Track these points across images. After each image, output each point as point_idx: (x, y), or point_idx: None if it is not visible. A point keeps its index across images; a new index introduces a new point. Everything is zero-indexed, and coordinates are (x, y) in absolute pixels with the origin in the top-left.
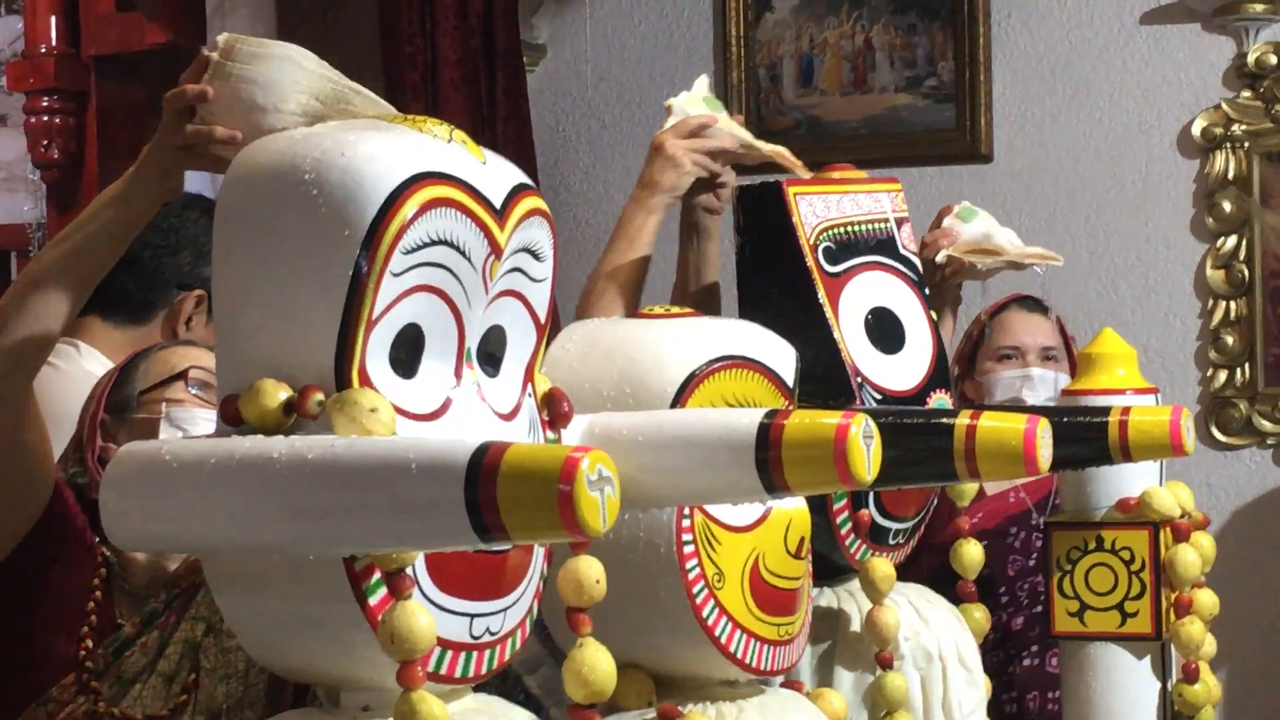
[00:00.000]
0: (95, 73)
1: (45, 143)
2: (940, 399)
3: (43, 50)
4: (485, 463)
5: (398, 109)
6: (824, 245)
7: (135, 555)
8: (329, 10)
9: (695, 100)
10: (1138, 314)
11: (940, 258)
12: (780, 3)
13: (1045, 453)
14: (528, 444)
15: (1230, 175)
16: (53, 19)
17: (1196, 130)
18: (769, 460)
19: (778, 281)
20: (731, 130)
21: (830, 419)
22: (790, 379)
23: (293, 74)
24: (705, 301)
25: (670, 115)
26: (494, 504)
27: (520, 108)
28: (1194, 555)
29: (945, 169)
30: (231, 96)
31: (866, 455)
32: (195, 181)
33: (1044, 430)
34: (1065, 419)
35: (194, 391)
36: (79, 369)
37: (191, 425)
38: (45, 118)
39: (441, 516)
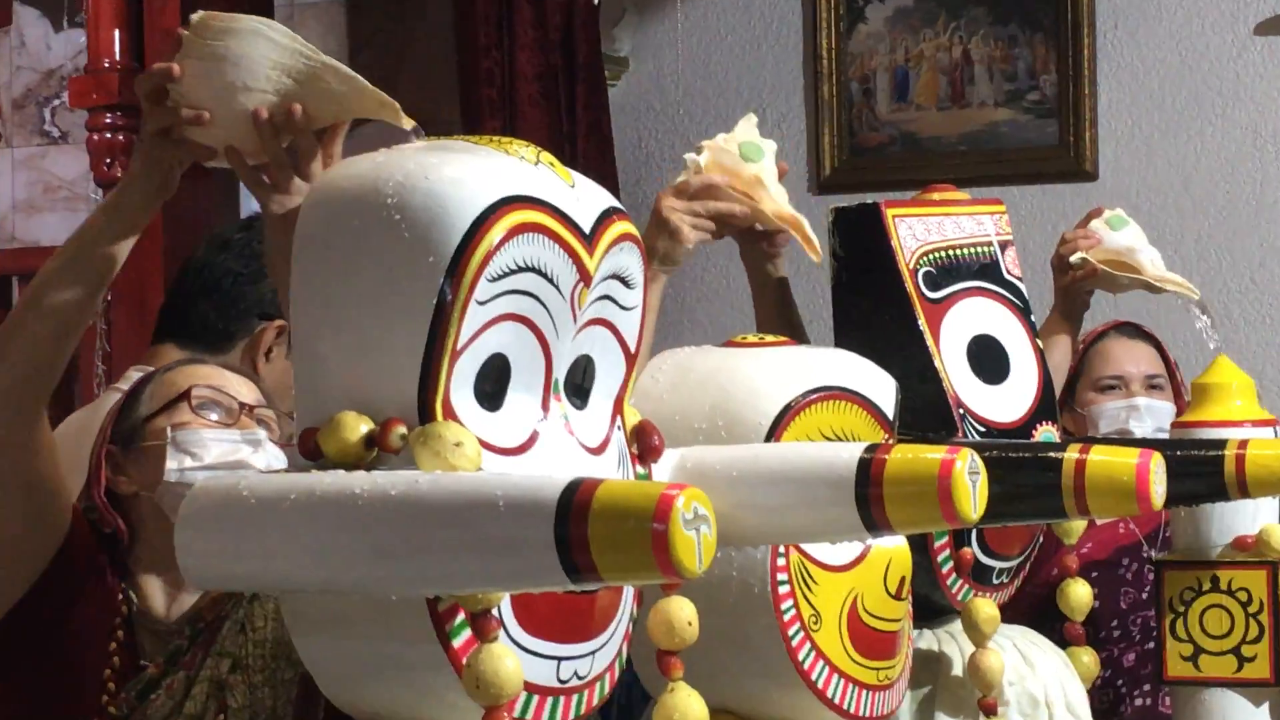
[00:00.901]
0: None
1: (108, 160)
2: (1047, 432)
3: (106, 65)
4: (576, 500)
5: (473, 127)
6: (924, 270)
7: (156, 590)
8: (402, 24)
9: (733, 142)
10: (1253, 340)
11: (1075, 259)
12: (874, 13)
13: (1159, 489)
14: (620, 480)
15: None
16: (116, 32)
17: None
18: (870, 497)
19: (875, 308)
20: (761, 182)
21: (934, 454)
22: (891, 411)
23: (263, 49)
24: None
25: (686, 167)
26: (585, 543)
27: (601, 124)
28: None
29: (1047, 188)
30: (202, 75)
31: (972, 492)
32: None
33: (1158, 464)
34: (1178, 452)
35: (201, 411)
36: None
37: (199, 448)
38: (108, 135)
39: (530, 556)
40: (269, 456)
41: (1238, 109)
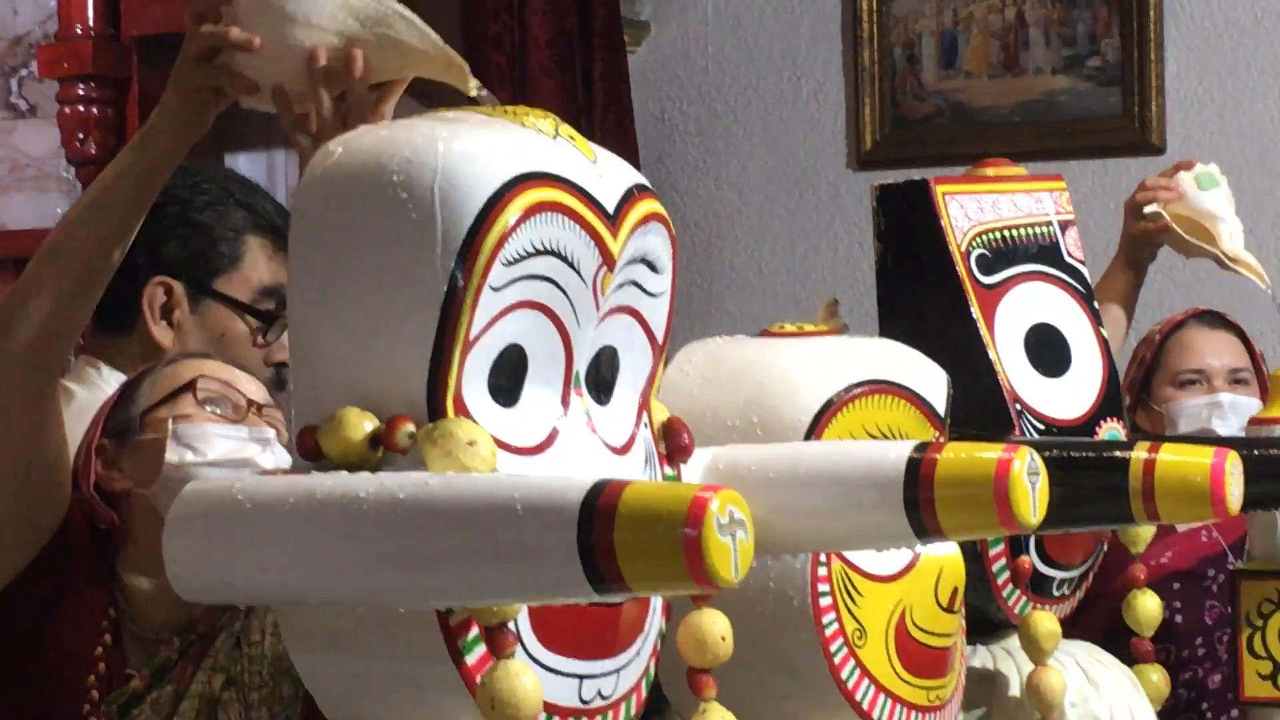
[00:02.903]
0: (138, 56)
1: (81, 136)
2: (1112, 429)
3: (78, 31)
4: (601, 504)
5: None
6: (978, 253)
7: (149, 593)
8: None
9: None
10: None
11: (1150, 210)
12: None
13: (1235, 491)
14: (648, 482)
15: None
16: None
17: None
18: (920, 500)
19: (924, 294)
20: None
21: (989, 453)
22: (941, 407)
23: None
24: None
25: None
26: (611, 550)
27: (621, 94)
28: None
29: (1110, 162)
30: (260, 3)
31: (1032, 495)
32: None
33: (1234, 465)
34: (1255, 451)
35: (206, 405)
36: (101, 397)
37: (203, 443)
38: (81, 107)
39: (551, 564)
40: (277, 458)
41: None
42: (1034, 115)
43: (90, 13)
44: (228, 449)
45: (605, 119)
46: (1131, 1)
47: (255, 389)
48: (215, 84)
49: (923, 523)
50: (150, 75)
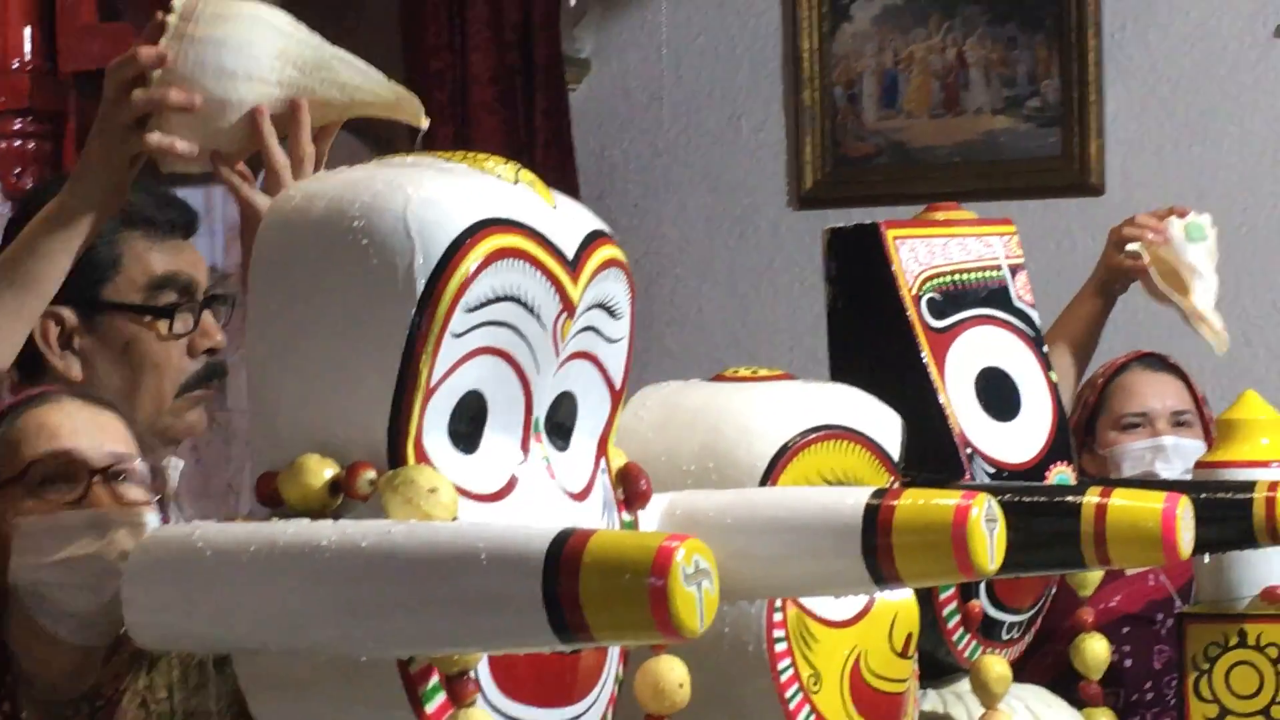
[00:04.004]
0: (75, 91)
1: (17, 170)
2: (1061, 472)
3: (15, 65)
4: (566, 553)
5: (423, 135)
6: (928, 296)
7: (40, 659)
8: (341, 19)
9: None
10: (1272, 370)
11: (1131, 247)
12: (860, 11)
13: (1187, 536)
14: (614, 531)
15: None
16: (26, 30)
17: None
18: (878, 547)
19: (875, 338)
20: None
21: (947, 500)
22: (895, 452)
23: (267, 36)
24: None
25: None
26: (576, 600)
27: (562, 132)
28: None
29: (1049, 202)
30: (194, 61)
31: (989, 541)
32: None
33: (1185, 510)
34: (1202, 495)
35: (45, 487)
36: None
37: (47, 540)
38: (17, 142)
39: (515, 614)
40: (133, 532)
41: (1257, 117)
42: (974, 155)
43: (27, 47)
44: (68, 549)
45: (547, 156)
46: (1071, 43)
47: (103, 439)
48: (137, 151)
49: (880, 570)
50: (88, 110)
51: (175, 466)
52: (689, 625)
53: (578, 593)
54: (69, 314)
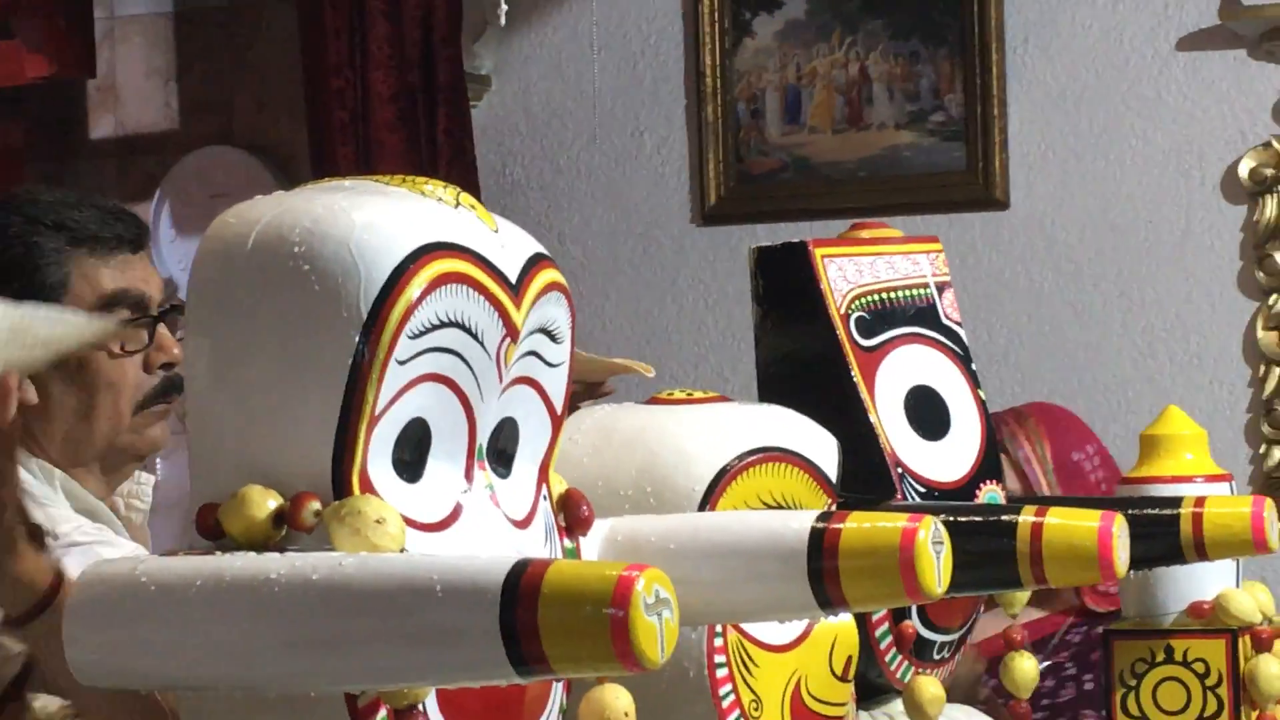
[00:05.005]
0: None
1: None
2: (991, 491)
3: None
4: (524, 584)
5: (323, 153)
6: (857, 315)
7: None
8: (238, 37)
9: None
10: (1178, 382)
11: None
12: (762, 26)
13: (1123, 554)
14: (572, 561)
15: None
16: None
17: (1243, 171)
18: (824, 571)
19: (804, 357)
20: None
21: (894, 522)
22: (833, 473)
23: None
24: None
25: None
26: (535, 632)
27: (465, 150)
28: (1278, 667)
29: (955, 217)
30: None
31: (936, 564)
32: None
33: (1120, 528)
34: (1129, 512)
35: None
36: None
37: None
38: None
39: (472, 647)
40: None
41: (1159, 131)
42: (878, 170)
43: None
44: None
45: (450, 174)
46: (974, 58)
47: None
48: None
49: (826, 594)
50: None
51: (147, 482)
52: (650, 656)
53: (536, 625)
54: None
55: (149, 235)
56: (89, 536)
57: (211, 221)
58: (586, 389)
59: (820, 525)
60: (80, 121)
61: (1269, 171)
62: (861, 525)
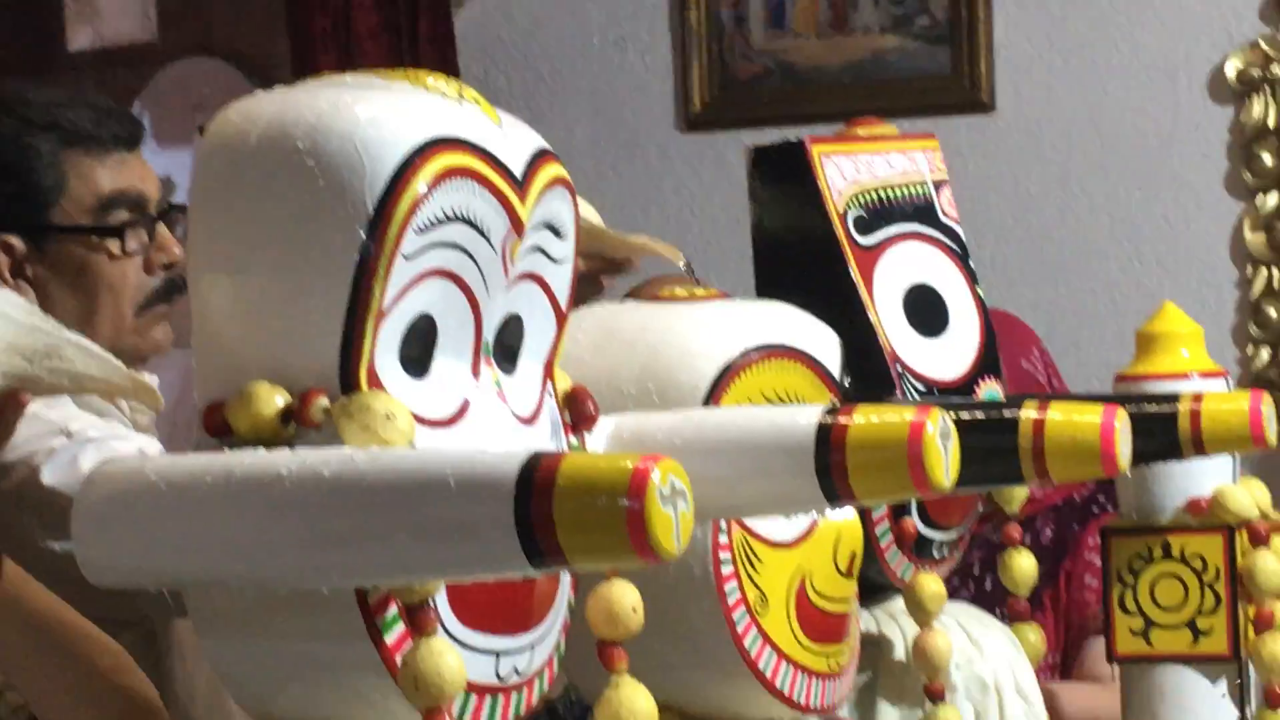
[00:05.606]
0: None
1: None
2: (990, 388)
3: None
4: (538, 476)
5: (304, 62)
6: (855, 213)
7: None
8: None
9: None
10: (1165, 284)
11: None
12: None
13: (1125, 449)
14: (586, 453)
15: (1271, 123)
16: None
17: (1230, 72)
18: (831, 465)
19: (802, 257)
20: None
21: (901, 416)
22: (836, 370)
23: None
24: None
25: None
26: (549, 524)
27: (448, 58)
28: (1276, 562)
29: (940, 121)
30: None
31: (944, 457)
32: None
33: (1122, 422)
34: (1127, 409)
35: None
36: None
37: None
38: None
39: (486, 540)
40: None
41: (1146, 32)
42: (863, 75)
43: None
44: None
45: None
46: None
47: None
48: None
49: (834, 488)
50: None
51: (153, 384)
52: (666, 547)
53: (551, 517)
54: (18, 242)
55: (144, 133)
56: (101, 432)
57: (192, 134)
58: (608, 264)
59: (828, 420)
60: (58, 33)
61: (1256, 72)
62: (869, 419)
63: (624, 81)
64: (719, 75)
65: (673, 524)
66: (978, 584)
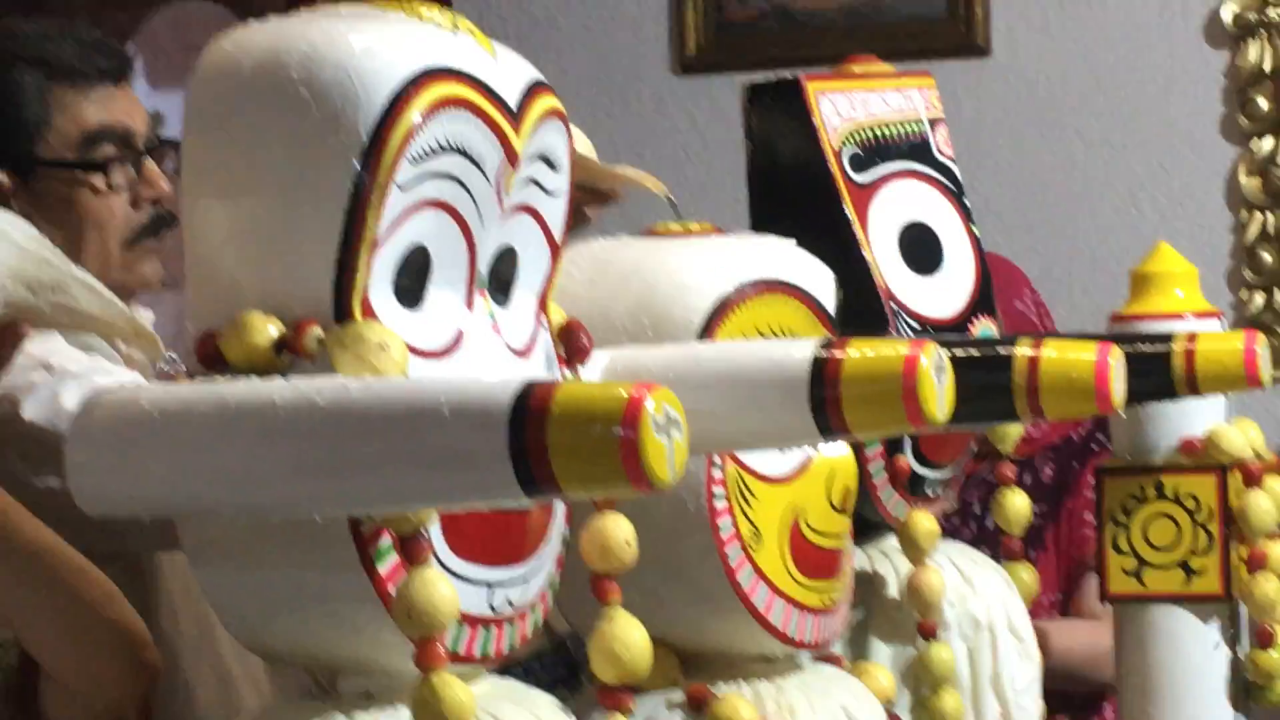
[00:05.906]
0: None
1: None
2: (985, 326)
3: None
4: (532, 404)
5: (298, 3)
6: (850, 151)
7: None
8: None
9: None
10: (1161, 229)
11: None
12: None
13: (1119, 386)
14: (580, 382)
15: (1266, 67)
16: None
17: (1227, 16)
18: (826, 399)
19: (797, 194)
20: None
21: (896, 349)
22: (831, 306)
23: (2, 250)
24: None
25: None
26: (543, 452)
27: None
28: (1269, 502)
29: (935, 64)
30: None
31: (939, 391)
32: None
33: (1118, 360)
34: (1123, 348)
35: None
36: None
37: None
38: None
39: (480, 468)
40: None
41: None
42: (858, 18)
43: None
44: None
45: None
46: None
47: None
48: None
49: (829, 422)
50: None
51: (146, 318)
52: (660, 475)
53: (545, 445)
54: (3, 177)
55: (131, 67)
56: (82, 367)
57: (186, 75)
58: (594, 195)
59: (822, 354)
60: None
61: (1252, 15)
62: (864, 353)
63: (618, 24)
64: (714, 19)
65: (667, 452)
66: (979, 523)
